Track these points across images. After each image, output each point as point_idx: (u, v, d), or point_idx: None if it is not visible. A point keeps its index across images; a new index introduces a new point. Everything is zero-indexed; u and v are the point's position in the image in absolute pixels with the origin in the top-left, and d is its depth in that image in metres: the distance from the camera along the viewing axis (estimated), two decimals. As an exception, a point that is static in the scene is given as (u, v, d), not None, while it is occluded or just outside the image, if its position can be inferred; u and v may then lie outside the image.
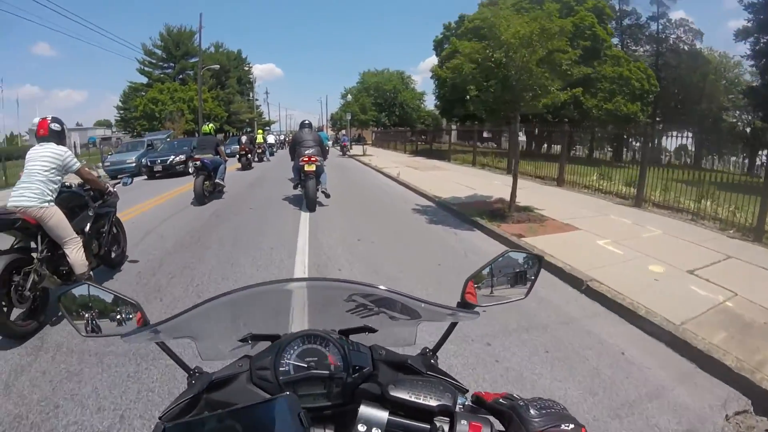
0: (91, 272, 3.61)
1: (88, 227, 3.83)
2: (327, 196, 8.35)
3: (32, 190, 3.25)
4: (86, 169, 3.87)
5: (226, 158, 10.17)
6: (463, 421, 0.62)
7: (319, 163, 7.78)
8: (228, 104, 46.63)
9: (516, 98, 5.88)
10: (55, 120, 3.58)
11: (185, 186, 10.32)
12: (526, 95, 5.80)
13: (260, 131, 23.13)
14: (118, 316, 0.88)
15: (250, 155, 16.04)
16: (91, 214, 3.92)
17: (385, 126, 40.37)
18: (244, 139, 16.58)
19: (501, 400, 0.67)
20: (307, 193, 7.61)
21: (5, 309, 2.93)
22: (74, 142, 30.49)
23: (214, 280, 4.14)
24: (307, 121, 8.44)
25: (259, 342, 0.91)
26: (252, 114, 53.19)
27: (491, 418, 0.65)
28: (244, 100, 53.02)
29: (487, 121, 14.64)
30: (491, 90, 5.97)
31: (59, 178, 3.44)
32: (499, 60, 5.65)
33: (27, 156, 3.46)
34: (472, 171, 14.28)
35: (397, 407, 0.67)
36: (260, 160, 19.24)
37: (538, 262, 1.01)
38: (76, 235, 3.48)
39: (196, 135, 23.84)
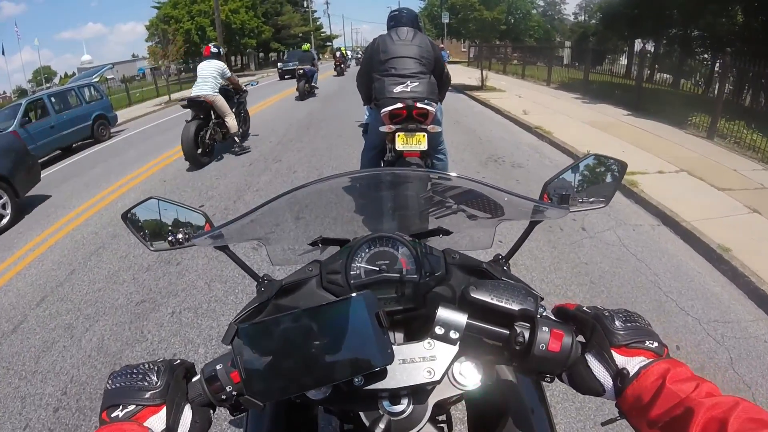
0: (237, 136, 6.42)
1: (235, 109, 6.43)
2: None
3: (207, 86, 5.85)
4: (233, 76, 6.32)
5: (318, 68, 13.41)
6: (545, 328, 0.56)
7: (437, 131, 3.08)
8: (275, 16, 40.23)
9: None
10: (215, 46, 6.23)
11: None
12: None
13: (342, 48, 26.99)
14: (187, 228, 0.87)
15: (342, 65, 21.35)
16: (235, 101, 6.53)
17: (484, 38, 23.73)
18: (338, 54, 22.50)
19: (585, 309, 0.61)
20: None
21: (200, 150, 5.92)
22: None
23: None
24: (404, 12, 3.40)
25: (329, 247, 0.90)
26: (307, 27, 46.88)
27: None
28: (297, 12, 46.50)
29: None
30: None
31: (220, 79, 6.01)
32: None
33: (198, 67, 6.09)
34: None
35: (476, 310, 0.61)
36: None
37: (622, 167, 0.90)
38: (231, 112, 6.16)
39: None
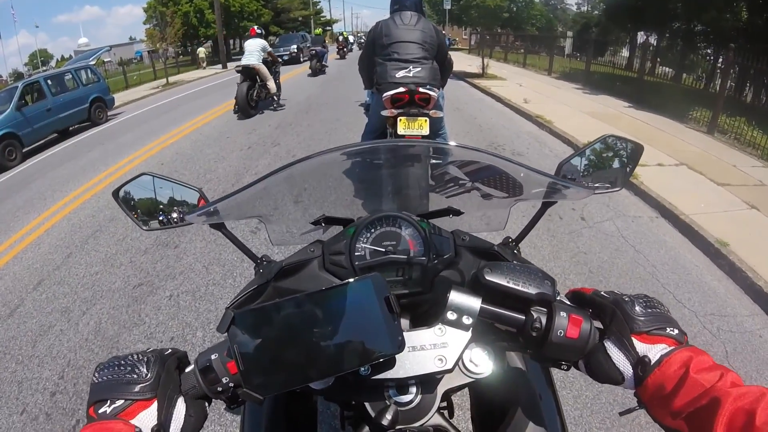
0: (276, 96, 8.54)
1: (273, 76, 8.25)
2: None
3: (254, 57, 7.72)
4: (272, 51, 8.49)
5: (328, 49, 16.14)
6: (563, 313, 0.54)
7: (438, 116, 3.05)
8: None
9: None
10: (258, 28, 8.33)
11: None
12: None
13: (344, 33, 28.00)
14: (182, 207, 0.83)
15: (345, 49, 21.90)
16: (273, 70, 8.31)
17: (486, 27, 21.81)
18: (340, 38, 23.32)
19: (603, 293, 0.58)
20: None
21: (249, 105, 7.92)
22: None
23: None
24: None
25: (332, 227, 0.86)
26: (307, 11, 46.15)
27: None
28: (297, -6, 45.80)
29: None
30: None
31: (263, 53, 7.87)
32: None
33: (246, 44, 8.07)
34: None
35: (489, 294, 0.57)
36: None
37: (637, 150, 0.85)
38: (271, 77, 8.10)
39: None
